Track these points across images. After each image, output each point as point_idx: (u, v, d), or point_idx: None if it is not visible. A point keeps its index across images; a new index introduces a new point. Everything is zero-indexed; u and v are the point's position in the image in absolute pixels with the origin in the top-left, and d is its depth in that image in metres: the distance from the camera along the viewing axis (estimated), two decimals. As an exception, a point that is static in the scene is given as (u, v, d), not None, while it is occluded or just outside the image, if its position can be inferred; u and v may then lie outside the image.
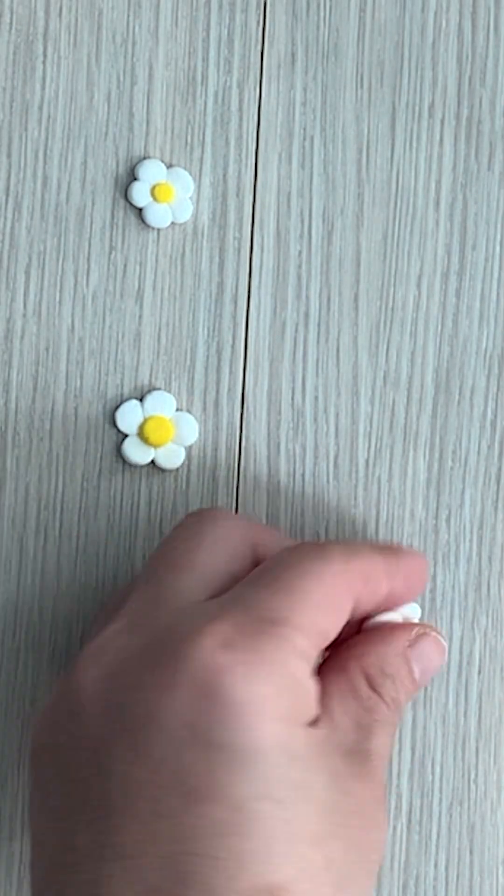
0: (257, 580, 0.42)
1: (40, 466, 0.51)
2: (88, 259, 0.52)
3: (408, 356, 0.52)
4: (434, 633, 0.46)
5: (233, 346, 0.52)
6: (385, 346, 0.52)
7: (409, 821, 0.50)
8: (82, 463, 0.51)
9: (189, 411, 0.52)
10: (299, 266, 0.52)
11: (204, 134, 0.52)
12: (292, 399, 0.52)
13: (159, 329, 0.52)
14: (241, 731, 0.38)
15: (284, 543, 0.46)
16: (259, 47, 0.52)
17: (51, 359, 0.52)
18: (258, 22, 0.53)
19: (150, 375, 0.52)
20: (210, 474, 0.51)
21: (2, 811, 0.51)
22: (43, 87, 0.52)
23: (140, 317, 0.52)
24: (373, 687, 0.43)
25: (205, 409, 0.52)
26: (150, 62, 0.53)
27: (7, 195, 0.52)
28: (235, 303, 0.52)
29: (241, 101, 0.52)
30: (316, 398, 0.52)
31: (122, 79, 0.53)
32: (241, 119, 0.52)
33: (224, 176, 0.52)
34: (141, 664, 0.40)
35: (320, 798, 0.39)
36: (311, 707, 0.41)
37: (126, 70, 0.53)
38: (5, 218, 0.52)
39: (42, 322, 0.52)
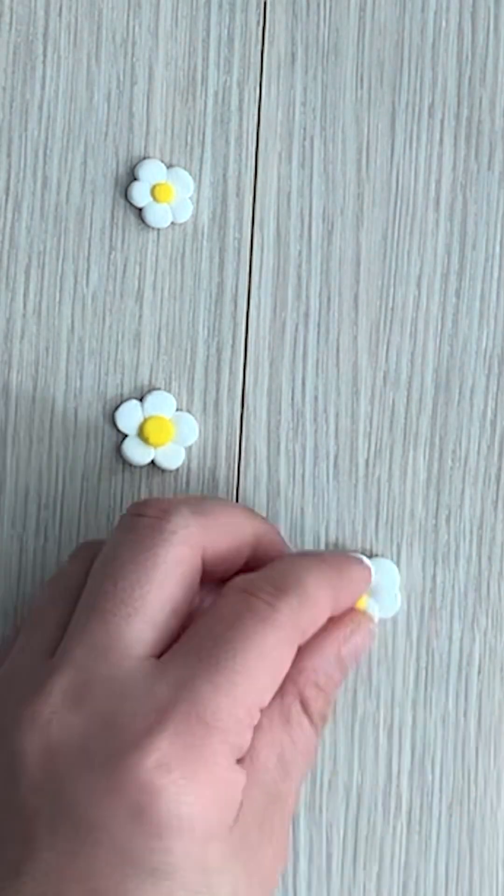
0: (201, 646, 0.42)
1: (40, 466, 0.52)
2: (88, 259, 0.52)
3: (408, 356, 0.52)
4: (365, 621, 0.47)
5: (233, 346, 0.52)
6: (385, 346, 0.52)
7: (409, 821, 0.50)
8: (82, 463, 0.51)
9: (189, 411, 0.52)
10: (299, 266, 0.52)
11: (204, 134, 0.52)
12: (292, 399, 0.52)
13: (159, 329, 0.52)
14: (162, 853, 0.39)
15: (244, 537, 0.46)
16: (259, 47, 0.52)
17: (51, 359, 0.52)
18: (258, 22, 0.53)
19: (150, 375, 0.52)
20: (210, 474, 0.51)
21: (2, 811, 0.51)
22: (43, 87, 0.52)
23: (140, 317, 0.52)
24: (305, 709, 0.44)
25: (205, 409, 0.52)
26: (150, 62, 0.53)
27: (7, 195, 0.52)
28: (235, 303, 0.52)
29: (241, 101, 0.52)
30: (316, 398, 0.52)
31: (122, 79, 0.53)
32: (241, 119, 0.52)
33: (224, 176, 0.52)
34: (82, 755, 0.40)
35: (226, 893, 0.41)
36: (236, 800, 0.42)
37: (126, 70, 0.53)
38: (5, 218, 0.52)
39: (42, 322, 0.52)
